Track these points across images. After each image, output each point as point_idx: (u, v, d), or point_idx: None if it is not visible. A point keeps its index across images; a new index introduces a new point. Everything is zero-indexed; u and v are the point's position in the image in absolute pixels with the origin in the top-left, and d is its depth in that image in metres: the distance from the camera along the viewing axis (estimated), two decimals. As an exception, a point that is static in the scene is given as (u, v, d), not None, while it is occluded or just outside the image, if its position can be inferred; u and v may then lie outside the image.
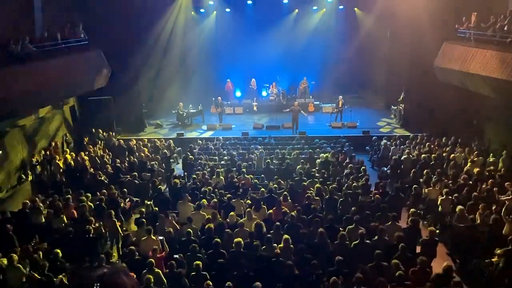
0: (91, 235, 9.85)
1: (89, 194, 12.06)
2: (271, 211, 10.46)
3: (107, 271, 1.92)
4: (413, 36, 18.23)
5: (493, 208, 10.10)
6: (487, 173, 12.68)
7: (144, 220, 10.11)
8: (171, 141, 18.17)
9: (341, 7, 23.31)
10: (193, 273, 7.77)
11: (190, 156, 15.16)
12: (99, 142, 17.50)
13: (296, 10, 23.82)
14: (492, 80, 13.48)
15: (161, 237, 9.24)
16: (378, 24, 21.18)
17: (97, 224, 10.44)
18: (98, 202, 11.48)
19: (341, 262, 7.72)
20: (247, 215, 10.15)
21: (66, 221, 10.69)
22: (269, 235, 8.86)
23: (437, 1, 16.64)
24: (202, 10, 23.54)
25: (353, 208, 10.33)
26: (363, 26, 22.63)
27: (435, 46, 17.22)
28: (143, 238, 9.26)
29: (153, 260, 8.10)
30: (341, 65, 22.97)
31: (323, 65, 23.43)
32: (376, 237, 8.84)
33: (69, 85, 15.38)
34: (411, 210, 10.62)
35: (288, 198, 11.12)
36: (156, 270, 7.84)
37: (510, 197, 10.44)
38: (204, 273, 7.76)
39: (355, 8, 23.04)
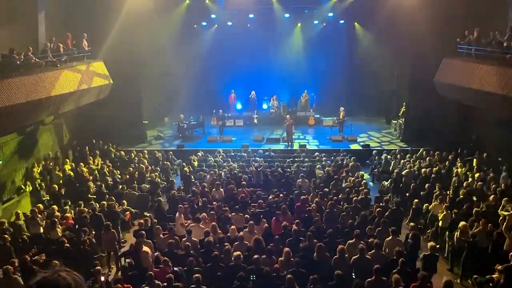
0: (87, 247, 9.78)
1: (87, 206, 12.00)
2: (269, 224, 10.40)
3: (45, 274, 1.91)
4: (414, 51, 18.35)
5: (492, 223, 10.06)
6: (487, 189, 12.66)
7: (143, 231, 10.05)
8: (171, 152, 18.16)
9: (342, 21, 23.51)
10: (193, 286, 7.70)
11: (185, 168, 15.16)
12: (99, 153, 17.49)
13: (299, 25, 24.04)
14: (491, 95, 13.53)
15: (156, 253, 9.23)
16: (379, 39, 21.35)
17: (92, 234, 10.38)
18: (97, 214, 11.43)
19: (341, 276, 7.65)
20: (248, 228, 10.10)
21: (59, 233, 10.60)
22: (269, 247, 8.81)
23: (439, 16, 16.78)
24: (204, 23, 23.78)
25: (349, 221, 10.27)
26: (363, 41, 22.80)
27: (436, 61, 17.34)
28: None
29: (152, 273, 8.03)
30: (342, 79, 23.08)
31: (323, 78, 23.52)
32: (376, 252, 8.78)
33: (70, 96, 15.44)
34: (411, 224, 10.57)
35: (288, 211, 11.08)
36: (157, 282, 7.76)
37: (510, 212, 10.39)
38: (203, 286, 7.69)
39: (355, 23, 23.25)
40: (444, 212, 11.10)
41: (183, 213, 11.16)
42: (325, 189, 13.15)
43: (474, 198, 12.02)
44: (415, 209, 11.57)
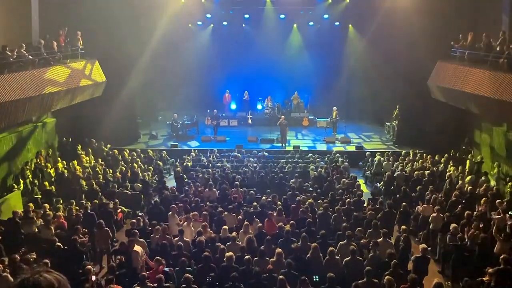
0: (79, 246, 9.71)
1: (79, 205, 11.92)
2: (262, 224, 10.40)
3: (27, 275, 1.87)
4: (408, 54, 18.40)
5: (483, 226, 10.13)
6: (479, 191, 12.74)
7: (136, 231, 10.00)
8: (164, 152, 18.10)
9: (337, 23, 23.56)
10: (183, 287, 7.67)
11: (178, 169, 15.10)
12: (92, 152, 17.37)
13: (295, 25, 24.06)
14: (484, 99, 13.63)
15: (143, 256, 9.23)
16: (373, 41, 21.41)
17: (86, 236, 10.31)
18: (89, 212, 11.36)
19: (333, 279, 7.66)
20: (241, 228, 10.08)
21: (53, 231, 10.52)
22: (261, 248, 8.81)
23: (433, 20, 16.86)
24: (199, 23, 23.75)
25: (344, 224, 10.29)
26: (358, 43, 22.85)
27: (430, 64, 17.41)
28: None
29: (145, 274, 7.99)
30: (336, 81, 23.09)
31: (318, 80, 23.53)
32: (368, 253, 8.81)
33: (63, 94, 15.33)
34: (403, 227, 10.60)
35: (282, 212, 11.08)
36: (149, 283, 7.72)
37: (501, 215, 10.47)
38: (194, 286, 7.67)
39: (350, 25, 23.32)
40: (435, 214, 11.16)
41: (176, 213, 11.13)
42: (318, 190, 13.18)
43: (466, 201, 12.08)
44: (403, 212, 11.57)
